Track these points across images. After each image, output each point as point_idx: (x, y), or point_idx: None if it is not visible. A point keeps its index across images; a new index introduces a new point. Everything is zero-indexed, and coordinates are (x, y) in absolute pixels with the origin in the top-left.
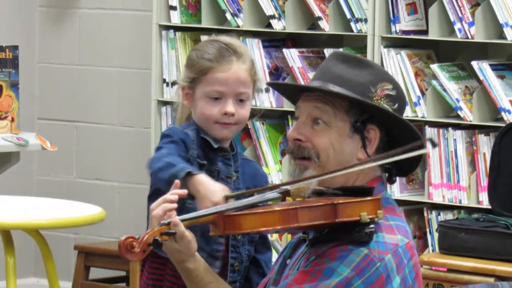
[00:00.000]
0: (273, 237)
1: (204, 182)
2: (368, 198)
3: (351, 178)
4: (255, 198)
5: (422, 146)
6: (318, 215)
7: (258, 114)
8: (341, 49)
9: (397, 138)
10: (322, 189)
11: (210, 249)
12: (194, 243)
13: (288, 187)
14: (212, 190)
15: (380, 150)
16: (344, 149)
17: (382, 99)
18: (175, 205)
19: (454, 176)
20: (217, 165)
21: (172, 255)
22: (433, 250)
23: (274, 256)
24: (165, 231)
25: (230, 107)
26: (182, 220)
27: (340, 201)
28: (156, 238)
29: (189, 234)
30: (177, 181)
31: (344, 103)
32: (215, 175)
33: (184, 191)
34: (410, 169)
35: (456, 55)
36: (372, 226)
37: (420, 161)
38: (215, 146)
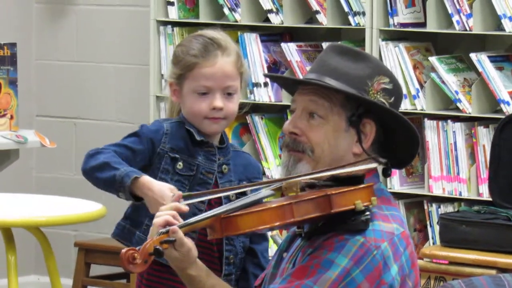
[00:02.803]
0: (273, 232)
1: (150, 184)
2: (361, 186)
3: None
4: (249, 197)
5: (416, 140)
6: (313, 208)
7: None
8: (339, 42)
9: (392, 131)
10: (313, 182)
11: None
12: (195, 250)
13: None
14: (160, 192)
15: (376, 144)
16: (339, 144)
17: (379, 92)
18: (177, 220)
19: (454, 169)
20: (197, 159)
21: (172, 262)
22: (433, 243)
23: (273, 249)
24: (164, 239)
25: (218, 101)
26: (180, 227)
27: (334, 192)
28: (157, 247)
29: (188, 242)
30: (179, 193)
31: (340, 97)
32: (194, 169)
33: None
34: (406, 162)
35: (455, 47)
36: (367, 213)
37: (415, 153)
38: (198, 138)
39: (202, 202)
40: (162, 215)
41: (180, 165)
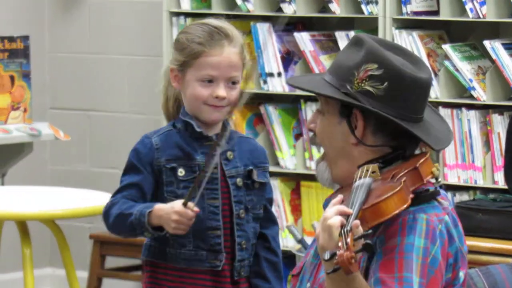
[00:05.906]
0: (288, 222)
1: (162, 206)
2: (420, 160)
3: (355, 163)
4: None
5: None
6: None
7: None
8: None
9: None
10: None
11: (208, 245)
12: None
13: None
14: (170, 205)
15: (376, 132)
16: (336, 136)
17: (364, 81)
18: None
19: (468, 157)
20: (196, 159)
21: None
22: None
23: (288, 239)
24: (356, 237)
25: (221, 91)
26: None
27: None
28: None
29: None
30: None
31: None
32: (196, 170)
33: None
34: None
35: (468, 35)
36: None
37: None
38: (198, 129)
39: (214, 198)
40: (331, 214)
41: (181, 172)
